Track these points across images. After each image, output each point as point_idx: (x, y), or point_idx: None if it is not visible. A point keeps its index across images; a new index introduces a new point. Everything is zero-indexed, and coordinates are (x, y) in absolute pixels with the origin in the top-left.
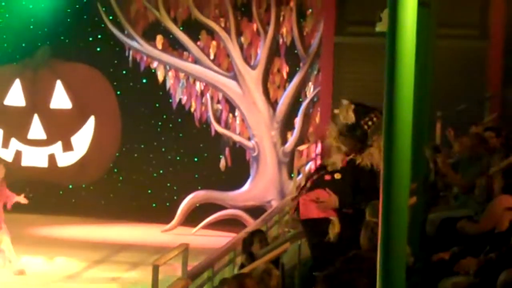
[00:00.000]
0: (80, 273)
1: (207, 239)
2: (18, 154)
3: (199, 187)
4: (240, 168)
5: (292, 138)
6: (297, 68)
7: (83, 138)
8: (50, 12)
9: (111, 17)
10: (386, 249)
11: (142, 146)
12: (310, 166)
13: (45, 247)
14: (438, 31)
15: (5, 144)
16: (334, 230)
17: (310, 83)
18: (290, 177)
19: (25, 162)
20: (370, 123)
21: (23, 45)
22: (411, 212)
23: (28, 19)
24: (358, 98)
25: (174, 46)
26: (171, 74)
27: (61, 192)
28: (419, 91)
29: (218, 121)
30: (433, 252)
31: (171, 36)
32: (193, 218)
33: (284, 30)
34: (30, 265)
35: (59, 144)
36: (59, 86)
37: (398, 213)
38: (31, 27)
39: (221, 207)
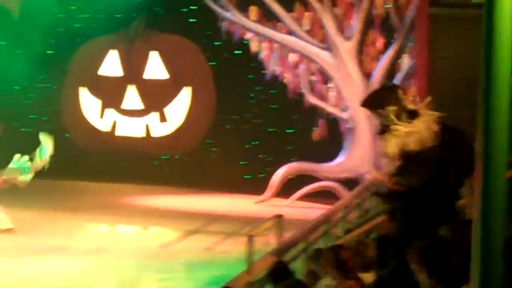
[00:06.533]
0: (173, 243)
1: (301, 210)
2: (114, 124)
3: (292, 159)
4: (333, 140)
5: None
6: (392, 40)
7: (178, 108)
8: None
9: None
10: (484, 222)
11: (236, 117)
12: None
13: (139, 217)
14: None
15: (102, 114)
16: None
17: (404, 55)
18: None
19: (121, 132)
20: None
21: (118, 16)
22: (509, 184)
23: None
24: (453, 70)
25: (268, 17)
26: (264, 45)
27: (155, 163)
28: None
29: (312, 92)
30: None
31: (264, 7)
32: (286, 189)
33: (379, 1)
34: (124, 234)
35: (154, 115)
36: (154, 56)
37: (496, 185)
38: None
39: (314, 179)
